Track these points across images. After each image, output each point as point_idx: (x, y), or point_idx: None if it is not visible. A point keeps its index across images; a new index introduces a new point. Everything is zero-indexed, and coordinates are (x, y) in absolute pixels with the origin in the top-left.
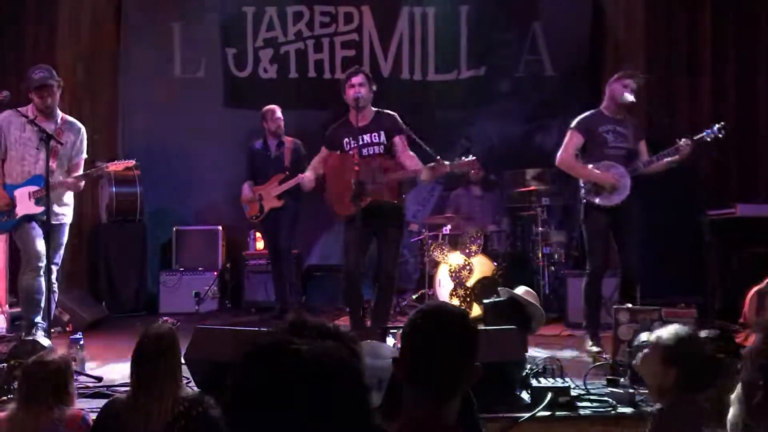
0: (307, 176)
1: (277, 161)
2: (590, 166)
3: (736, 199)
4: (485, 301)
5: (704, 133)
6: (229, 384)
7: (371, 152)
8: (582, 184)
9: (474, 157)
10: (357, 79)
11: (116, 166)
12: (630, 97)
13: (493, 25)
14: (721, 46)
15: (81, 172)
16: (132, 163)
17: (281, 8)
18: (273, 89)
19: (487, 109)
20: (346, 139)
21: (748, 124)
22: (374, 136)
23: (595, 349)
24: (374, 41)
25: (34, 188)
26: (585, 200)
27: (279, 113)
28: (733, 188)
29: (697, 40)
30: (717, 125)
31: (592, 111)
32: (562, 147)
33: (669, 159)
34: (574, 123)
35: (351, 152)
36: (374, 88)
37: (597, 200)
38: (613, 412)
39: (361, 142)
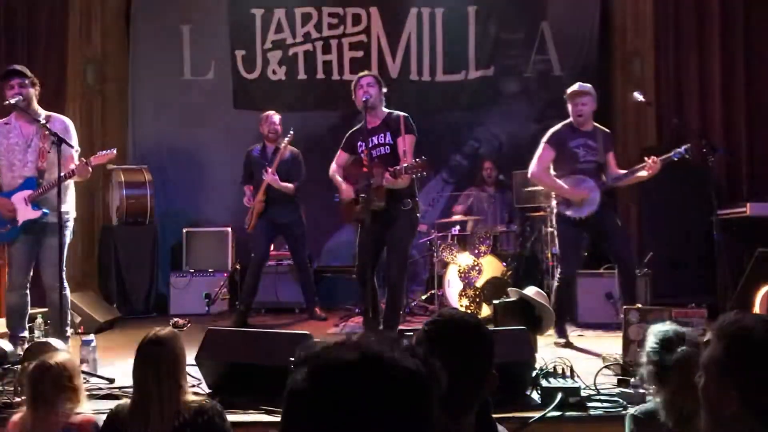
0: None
1: (267, 167)
2: (562, 179)
3: (747, 198)
4: (495, 301)
5: (671, 154)
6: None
7: (379, 153)
8: (554, 196)
9: (424, 158)
10: (366, 81)
11: (99, 159)
12: (638, 96)
13: (502, 25)
14: (730, 48)
15: (82, 159)
16: (113, 153)
17: (289, 10)
18: (282, 91)
19: (496, 109)
20: (360, 142)
21: (759, 124)
22: (381, 137)
23: (562, 340)
24: (382, 42)
25: (28, 192)
26: (556, 211)
27: (275, 118)
28: (743, 187)
29: (706, 41)
30: (685, 146)
31: (563, 123)
32: (535, 161)
33: (638, 175)
34: (546, 137)
35: (362, 154)
36: (384, 90)
37: (568, 212)
38: (623, 411)
39: (370, 144)
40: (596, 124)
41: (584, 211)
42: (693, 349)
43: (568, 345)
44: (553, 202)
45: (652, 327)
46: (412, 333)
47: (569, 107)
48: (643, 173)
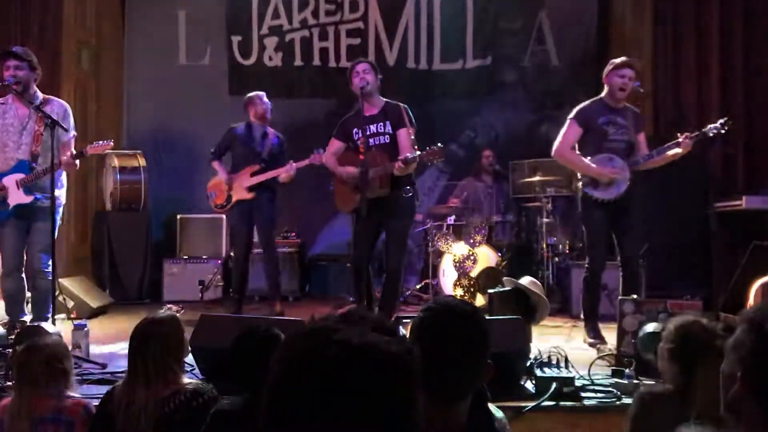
0: (286, 171)
1: (258, 152)
2: (588, 158)
3: (743, 191)
4: (490, 290)
5: (707, 128)
6: (268, 372)
7: (378, 142)
8: (579, 177)
9: (440, 145)
10: (361, 67)
11: (95, 149)
12: (637, 88)
13: (500, 14)
14: (729, 36)
15: (73, 150)
16: (110, 144)
17: None
18: (278, 77)
19: (493, 98)
20: (355, 129)
21: (756, 115)
22: (380, 125)
23: (595, 341)
24: (379, 30)
25: (21, 176)
26: (583, 194)
27: (266, 98)
28: (739, 180)
29: (704, 32)
30: (721, 120)
31: (592, 100)
32: (560, 137)
33: (670, 153)
34: (573, 113)
35: (358, 141)
36: (380, 76)
37: (595, 193)
38: (617, 402)
39: (368, 132)
40: (626, 103)
41: (613, 192)
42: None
43: (603, 343)
44: (579, 184)
45: (673, 319)
46: (409, 320)
47: (612, 79)
48: (677, 150)
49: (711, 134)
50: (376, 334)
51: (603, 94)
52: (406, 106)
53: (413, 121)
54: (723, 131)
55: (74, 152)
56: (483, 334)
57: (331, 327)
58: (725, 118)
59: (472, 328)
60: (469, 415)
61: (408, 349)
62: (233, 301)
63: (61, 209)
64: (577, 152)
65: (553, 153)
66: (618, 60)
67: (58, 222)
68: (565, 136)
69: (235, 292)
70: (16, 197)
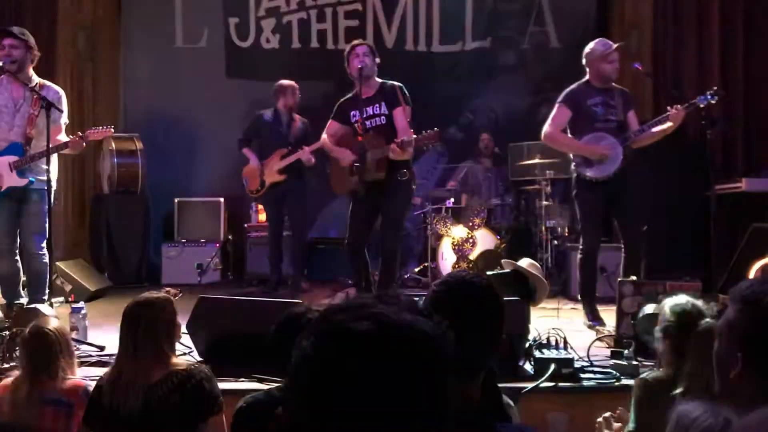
0: (307, 152)
1: (285, 136)
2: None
3: (743, 173)
4: (489, 273)
5: (696, 100)
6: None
7: (375, 124)
8: (572, 158)
9: (436, 129)
10: (361, 49)
11: (95, 135)
12: (638, 68)
13: None
14: (729, 20)
15: (63, 136)
16: (110, 131)
17: None
18: (275, 60)
19: (492, 81)
20: (353, 112)
21: (756, 98)
22: (376, 107)
23: (594, 323)
24: (378, 11)
25: (14, 158)
26: (576, 174)
27: (298, 90)
28: (739, 163)
29: (705, 14)
30: (710, 91)
31: (579, 83)
32: (549, 121)
33: (661, 127)
34: (561, 97)
35: (356, 124)
36: (378, 61)
37: (588, 173)
38: (616, 383)
39: (365, 115)
40: (614, 83)
41: (606, 169)
42: (715, 321)
43: (602, 325)
44: (572, 166)
45: (667, 300)
46: (418, 298)
47: (601, 67)
48: (668, 124)
49: (701, 105)
50: (410, 313)
51: (588, 78)
52: (401, 84)
53: (408, 99)
54: (713, 101)
55: (80, 134)
56: (498, 308)
57: (365, 303)
58: (714, 88)
59: (487, 301)
60: (481, 391)
61: (442, 331)
62: (271, 283)
63: (52, 192)
64: (569, 134)
65: (542, 137)
66: (600, 47)
67: (47, 205)
68: (554, 119)
69: (273, 273)
70: (9, 180)
